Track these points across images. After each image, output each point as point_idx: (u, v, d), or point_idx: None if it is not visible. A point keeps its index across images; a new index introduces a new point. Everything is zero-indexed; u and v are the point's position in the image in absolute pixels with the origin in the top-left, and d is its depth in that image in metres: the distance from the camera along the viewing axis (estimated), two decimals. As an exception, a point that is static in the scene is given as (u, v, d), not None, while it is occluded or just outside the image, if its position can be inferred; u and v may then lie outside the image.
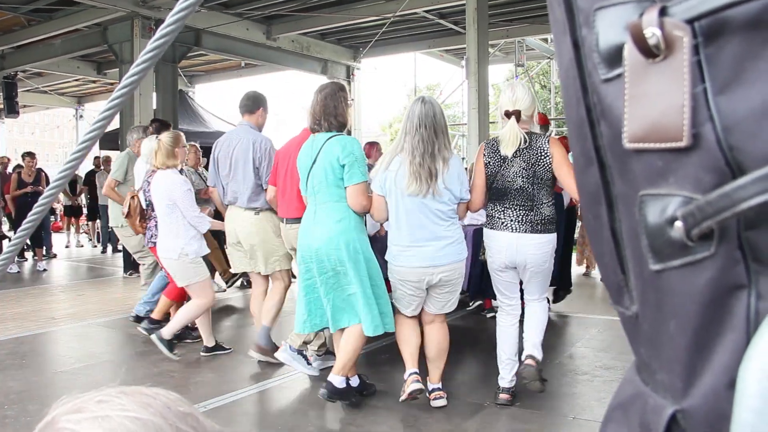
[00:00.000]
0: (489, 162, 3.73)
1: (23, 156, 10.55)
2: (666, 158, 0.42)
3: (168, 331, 4.85)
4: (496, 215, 3.76)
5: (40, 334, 5.97)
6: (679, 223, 0.41)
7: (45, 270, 10.02)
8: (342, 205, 3.72)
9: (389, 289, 3.96)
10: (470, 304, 6.72)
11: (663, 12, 0.40)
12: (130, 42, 9.44)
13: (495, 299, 5.49)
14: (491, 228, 3.79)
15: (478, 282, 5.91)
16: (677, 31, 0.39)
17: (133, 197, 5.39)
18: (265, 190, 4.78)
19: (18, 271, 10.04)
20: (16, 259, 8.96)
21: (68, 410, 0.67)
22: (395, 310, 3.89)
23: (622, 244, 0.50)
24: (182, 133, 5.21)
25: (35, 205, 0.79)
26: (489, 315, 6.32)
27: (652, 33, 0.40)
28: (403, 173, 3.58)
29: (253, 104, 5.05)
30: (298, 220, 4.20)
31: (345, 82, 12.30)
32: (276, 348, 4.68)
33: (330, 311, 3.79)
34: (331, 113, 3.80)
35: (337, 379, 3.81)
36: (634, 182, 0.45)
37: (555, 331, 5.21)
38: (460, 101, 20.60)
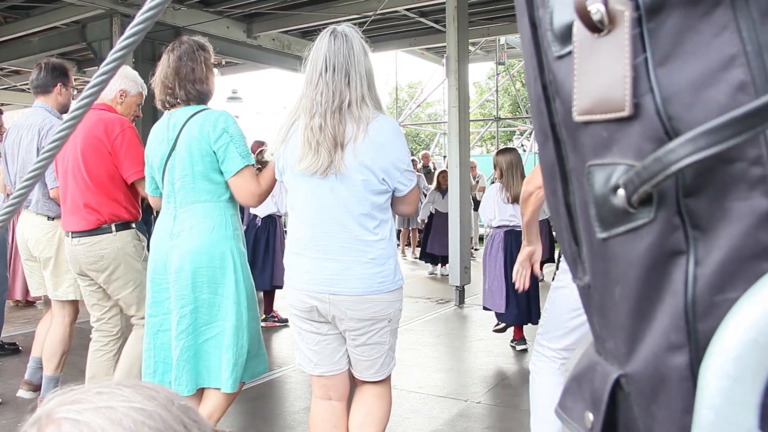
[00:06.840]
0: None
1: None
2: (610, 129, 0.44)
3: None
4: None
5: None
6: (621, 191, 0.43)
7: None
8: (214, 206, 2.75)
9: None
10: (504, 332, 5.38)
11: (606, -12, 0.42)
12: (109, 40, 9.33)
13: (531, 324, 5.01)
14: None
15: (519, 303, 4.95)
16: (619, 6, 0.41)
17: None
18: (51, 190, 3.68)
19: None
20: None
21: (64, 401, 0.64)
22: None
23: (575, 216, 0.52)
24: None
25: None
26: (519, 347, 5.21)
27: (596, 9, 0.42)
28: (296, 141, 2.35)
29: (47, 81, 3.81)
30: (87, 233, 3.28)
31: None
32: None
33: (182, 364, 2.73)
34: (188, 78, 2.77)
35: None
36: (584, 154, 0.47)
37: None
38: (441, 99, 20.68)
